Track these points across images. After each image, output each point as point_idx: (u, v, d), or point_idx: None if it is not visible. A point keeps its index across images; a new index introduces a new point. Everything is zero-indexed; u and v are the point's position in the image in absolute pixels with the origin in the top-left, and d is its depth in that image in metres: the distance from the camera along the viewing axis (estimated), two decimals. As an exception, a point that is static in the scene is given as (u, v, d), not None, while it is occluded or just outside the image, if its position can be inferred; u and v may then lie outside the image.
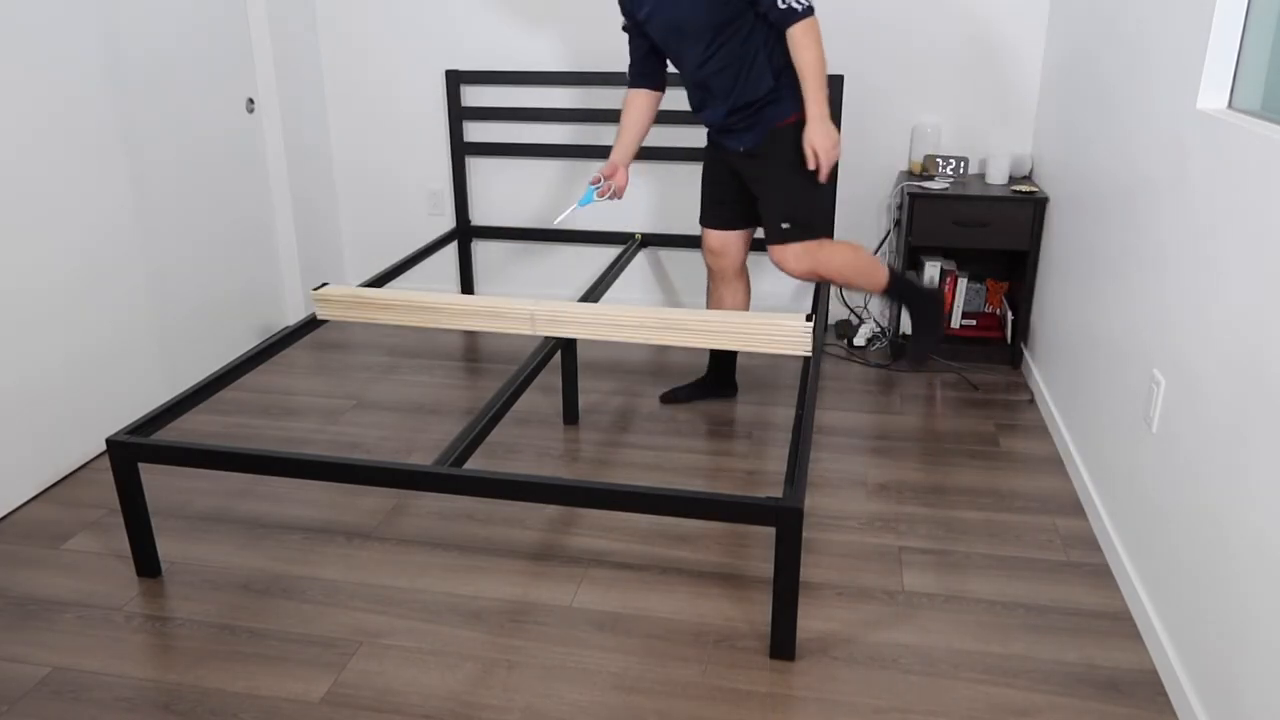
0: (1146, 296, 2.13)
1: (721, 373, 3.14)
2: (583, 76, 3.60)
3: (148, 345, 2.98)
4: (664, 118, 3.57)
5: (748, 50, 2.46)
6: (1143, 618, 1.99)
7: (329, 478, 2.02)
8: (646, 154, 3.63)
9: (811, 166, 2.49)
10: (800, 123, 2.47)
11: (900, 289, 2.78)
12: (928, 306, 2.81)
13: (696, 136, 3.63)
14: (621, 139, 2.79)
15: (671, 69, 2.71)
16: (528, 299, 2.59)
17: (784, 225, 2.57)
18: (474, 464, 2.63)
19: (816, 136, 2.44)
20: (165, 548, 2.34)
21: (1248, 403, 1.60)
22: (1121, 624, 2.04)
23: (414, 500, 2.55)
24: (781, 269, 2.64)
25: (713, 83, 2.53)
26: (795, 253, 2.60)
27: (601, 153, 3.67)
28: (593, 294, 2.89)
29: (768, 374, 3.37)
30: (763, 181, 2.61)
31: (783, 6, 2.36)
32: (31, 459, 2.56)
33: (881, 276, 2.72)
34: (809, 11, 2.36)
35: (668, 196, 3.74)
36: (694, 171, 3.69)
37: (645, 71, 2.71)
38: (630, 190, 3.76)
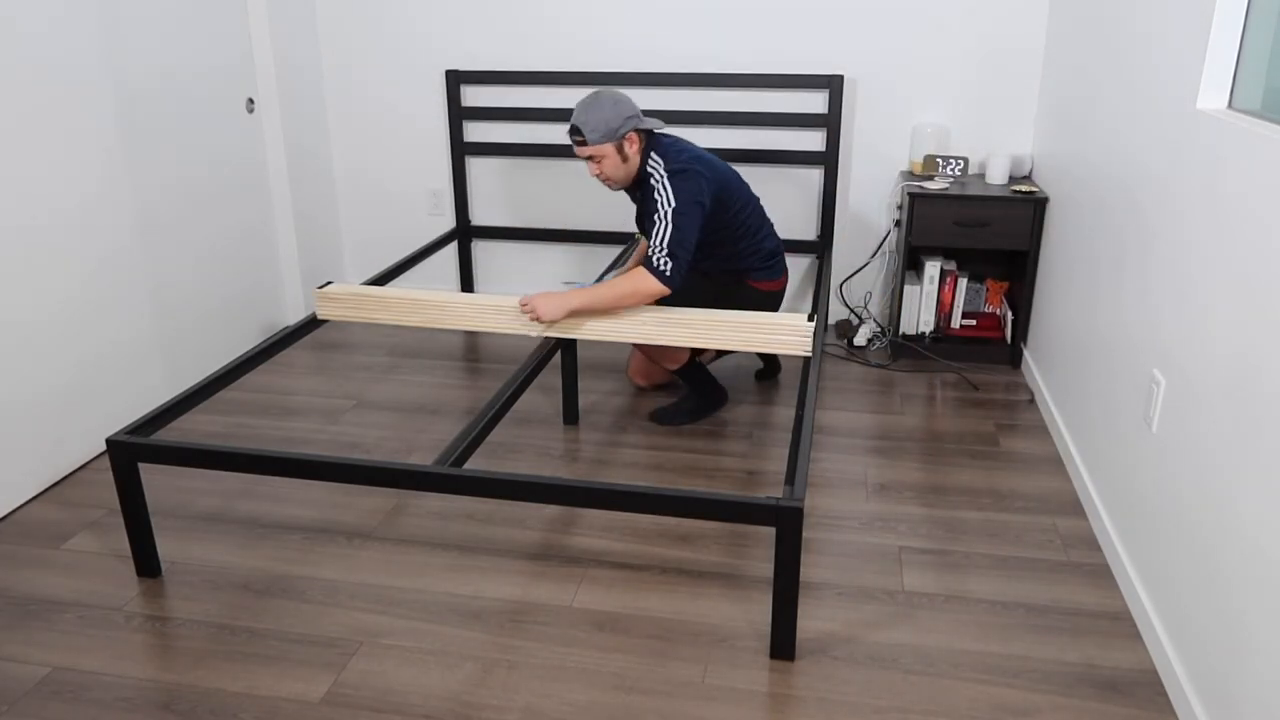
0: (1146, 296, 2.13)
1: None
2: (583, 76, 3.60)
3: (148, 345, 2.98)
4: (666, 118, 3.58)
5: (713, 247, 2.74)
6: (1143, 618, 1.99)
7: (329, 478, 2.02)
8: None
9: (524, 307, 2.52)
10: (758, 289, 2.85)
11: (699, 375, 2.97)
12: (708, 390, 3.01)
13: (696, 137, 3.63)
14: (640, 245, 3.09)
15: None
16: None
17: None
18: (474, 464, 2.63)
19: (549, 303, 2.50)
20: (165, 548, 2.34)
21: (1247, 403, 1.60)
22: (1121, 624, 2.04)
23: (414, 500, 2.55)
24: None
25: None
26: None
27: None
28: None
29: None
30: (707, 288, 2.81)
31: (654, 260, 2.53)
32: (32, 459, 2.56)
33: (682, 360, 2.90)
34: (661, 275, 2.51)
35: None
36: (694, 171, 3.69)
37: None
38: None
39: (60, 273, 2.61)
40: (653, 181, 2.59)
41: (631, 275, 2.53)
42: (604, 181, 2.67)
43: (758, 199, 2.86)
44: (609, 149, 2.59)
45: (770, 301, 2.91)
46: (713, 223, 2.66)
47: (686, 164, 2.60)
